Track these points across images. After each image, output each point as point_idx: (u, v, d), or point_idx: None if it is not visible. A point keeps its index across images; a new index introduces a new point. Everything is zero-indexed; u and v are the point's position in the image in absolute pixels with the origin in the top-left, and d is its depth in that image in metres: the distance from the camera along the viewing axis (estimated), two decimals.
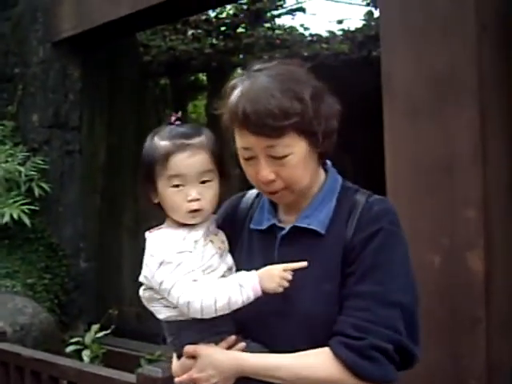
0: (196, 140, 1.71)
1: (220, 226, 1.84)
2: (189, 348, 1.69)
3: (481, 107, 3.25)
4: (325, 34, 9.60)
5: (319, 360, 1.58)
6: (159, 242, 1.71)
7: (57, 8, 6.60)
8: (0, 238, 6.31)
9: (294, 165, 1.62)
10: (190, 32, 9.13)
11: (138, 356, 5.39)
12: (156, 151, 1.72)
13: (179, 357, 1.77)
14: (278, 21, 9.80)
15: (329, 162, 1.81)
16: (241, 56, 9.51)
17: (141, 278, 1.76)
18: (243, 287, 1.61)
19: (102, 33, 6.40)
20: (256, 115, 1.55)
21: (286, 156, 1.60)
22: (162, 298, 1.72)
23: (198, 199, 1.70)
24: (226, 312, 1.63)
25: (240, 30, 9.31)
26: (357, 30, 9.50)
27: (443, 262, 3.35)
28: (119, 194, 7.13)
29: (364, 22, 9.63)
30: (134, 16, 5.87)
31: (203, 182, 1.72)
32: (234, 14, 9.18)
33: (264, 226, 1.76)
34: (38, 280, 6.02)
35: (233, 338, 1.68)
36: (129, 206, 7.07)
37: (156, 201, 1.77)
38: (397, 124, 3.53)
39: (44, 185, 6.38)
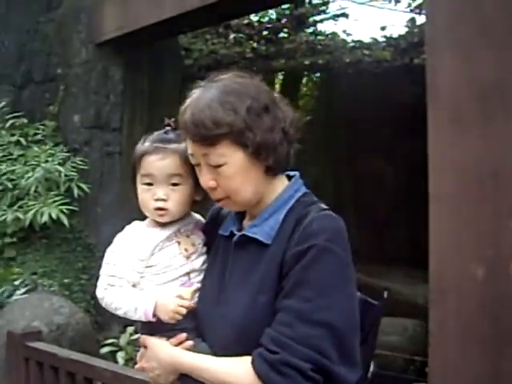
0: (172, 146, 1.84)
1: (204, 230, 1.95)
2: (142, 338, 1.82)
3: None
4: (367, 41, 9.51)
5: (240, 368, 1.60)
6: (122, 234, 1.88)
7: (100, 9, 6.64)
8: (38, 238, 6.37)
9: (229, 175, 1.68)
10: (231, 36, 9.13)
11: None
12: (136, 152, 1.89)
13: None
14: (320, 26, 9.75)
15: (297, 174, 1.83)
16: (282, 61, 9.47)
17: None
18: (137, 309, 1.75)
19: (144, 35, 6.42)
20: (192, 125, 1.65)
21: (220, 165, 1.67)
22: None
23: (163, 199, 1.84)
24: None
25: (282, 34, 9.28)
26: (400, 36, 9.42)
27: (487, 273, 3.27)
28: None
29: (407, 29, 9.55)
30: (177, 19, 5.87)
31: (173, 185, 1.84)
32: (277, 19, 9.16)
33: (227, 233, 1.83)
34: (74, 280, 6.06)
35: (183, 335, 1.76)
36: None
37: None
38: (441, 133, 3.47)
39: (83, 185, 6.42)
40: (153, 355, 1.75)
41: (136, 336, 5.16)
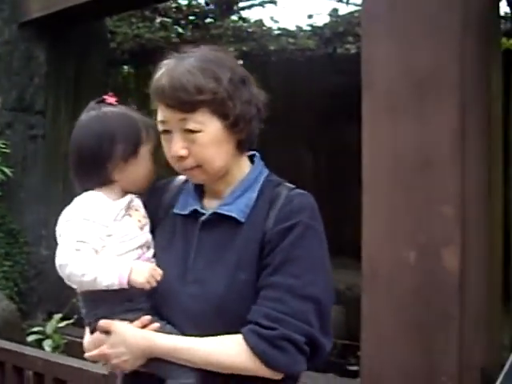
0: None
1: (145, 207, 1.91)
2: (103, 323, 1.70)
3: (461, 106, 3.26)
4: (293, 29, 9.55)
5: (230, 346, 1.61)
6: (80, 203, 1.77)
7: None
8: None
9: (204, 143, 1.67)
10: (157, 20, 9.02)
11: None
12: (141, 121, 1.83)
13: (92, 331, 1.76)
14: (248, 13, 9.73)
15: (257, 154, 1.86)
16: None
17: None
18: (110, 274, 1.65)
19: (69, 16, 6.28)
20: (171, 89, 1.63)
21: (197, 132, 1.66)
22: None
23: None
24: (92, 289, 1.68)
25: (209, 20, 9.22)
26: (324, 25, 9.48)
27: (419, 258, 3.35)
28: None
29: (331, 19, 9.62)
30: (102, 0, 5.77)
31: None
32: (205, 3, 9.09)
33: (187, 211, 1.79)
34: None
35: (148, 317, 1.70)
36: None
37: (124, 168, 1.81)
38: (376, 121, 3.52)
39: (6, 169, 6.23)
40: (121, 340, 1.66)
41: (64, 323, 5.08)
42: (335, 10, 9.52)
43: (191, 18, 9.12)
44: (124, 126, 1.82)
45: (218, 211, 1.73)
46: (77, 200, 1.79)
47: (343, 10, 9.53)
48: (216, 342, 1.62)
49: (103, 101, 1.86)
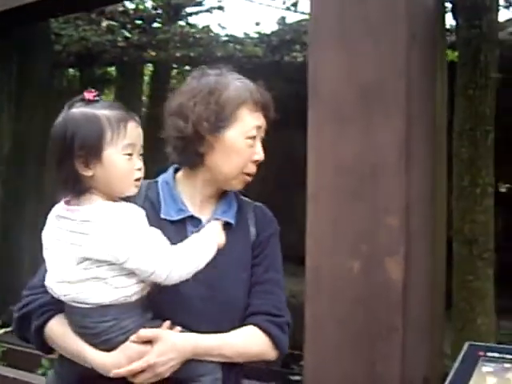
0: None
1: None
2: (148, 332, 1.69)
3: (407, 116, 3.27)
4: (241, 36, 9.54)
5: (252, 337, 1.88)
6: (126, 212, 1.68)
7: None
8: None
9: None
10: (104, 23, 8.90)
11: (39, 355, 5.17)
12: (110, 118, 1.73)
13: (113, 347, 1.70)
14: (195, 19, 9.69)
15: None
16: (153, 52, 9.33)
17: (85, 254, 1.65)
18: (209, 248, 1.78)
19: (11, 17, 6.12)
20: (269, 100, 2.06)
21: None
22: (107, 278, 1.67)
23: (140, 169, 1.79)
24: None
25: (156, 24, 9.14)
26: (272, 33, 9.50)
27: (362, 268, 3.34)
28: (23, 185, 6.88)
29: (279, 27, 9.65)
30: (47, 2, 5.64)
31: (139, 156, 1.81)
32: (153, 8, 9.01)
33: (175, 217, 1.90)
34: None
35: (168, 322, 1.78)
36: (32, 197, 6.83)
37: (90, 173, 1.70)
38: (321, 130, 3.50)
39: None
40: (170, 346, 1.70)
41: (1, 331, 4.95)
42: (283, 18, 9.55)
43: (138, 22, 9.03)
44: (84, 129, 1.71)
45: (219, 217, 1.94)
46: (118, 214, 1.69)
47: (291, 18, 9.52)
48: (243, 336, 1.87)
49: (83, 98, 1.81)
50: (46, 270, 1.81)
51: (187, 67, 11.02)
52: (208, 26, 9.57)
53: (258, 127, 1.95)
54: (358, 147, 3.36)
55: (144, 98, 10.63)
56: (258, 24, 9.62)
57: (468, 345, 1.65)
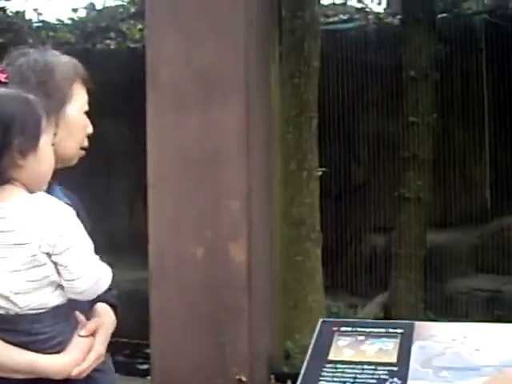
0: None
1: None
2: (90, 324, 1.60)
3: (246, 101, 3.34)
4: (55, 22, 9.26)
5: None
6: (66, 209, 1.49)
7: None
8: None
9: None
10: None
11: None
12: (39, 106, 1.51)
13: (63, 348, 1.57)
14: (10, 4, 9.27)
15: None
16: None
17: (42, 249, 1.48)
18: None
19: None
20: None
21: None
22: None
23: None
24: None
25: None
26: (85, 19, 9.31)
27: (206, 253, 3.39)
28: None
29: (92, 13, 9.47)
30: None
31: None
32: None
33: None
34: None
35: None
36: None
37: (22, 163, 1.45)
38: (161, 117, 3.50)
39: None
40: (106, 330, 1.69)
41: None
42: (92, 5, 9.38)
43: None
44: (22, 112, 1.48)
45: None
46: (58, 205, 1.51)
47: (108, 3, 9.33)
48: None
49: None
50: None
51: None
52: (23, 12, 9.17)
53: (88, 102, 1.87)
54: (198, 134, 3.38)
55: None
56: (75, 11, 9.33)
57: (321, 321, 1.71)
